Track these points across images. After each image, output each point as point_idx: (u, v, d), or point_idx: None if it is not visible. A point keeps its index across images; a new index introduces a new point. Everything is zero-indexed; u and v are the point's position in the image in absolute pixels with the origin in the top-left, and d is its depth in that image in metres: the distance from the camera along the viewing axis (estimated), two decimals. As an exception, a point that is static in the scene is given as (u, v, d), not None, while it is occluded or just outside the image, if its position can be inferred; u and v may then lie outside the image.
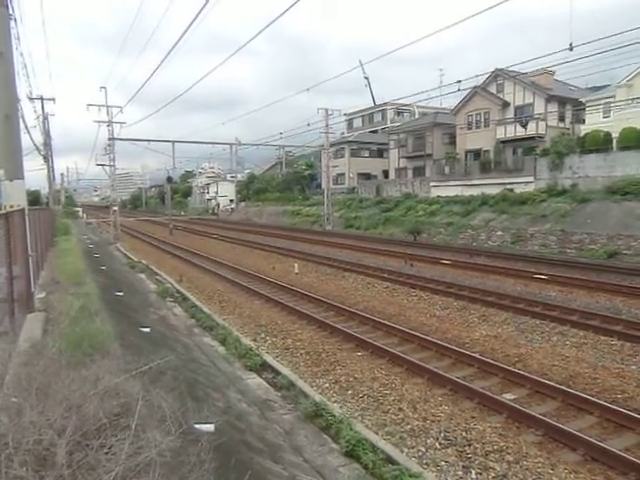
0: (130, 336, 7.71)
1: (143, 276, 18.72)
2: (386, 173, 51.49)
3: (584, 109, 35.66)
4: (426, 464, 5.68)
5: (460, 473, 5.52)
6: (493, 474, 5.46)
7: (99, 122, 34.67)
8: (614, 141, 29.19)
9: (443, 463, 5.71)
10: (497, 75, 38.58)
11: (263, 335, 10.98)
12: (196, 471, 2.79)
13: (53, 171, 44.36)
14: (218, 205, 73.21)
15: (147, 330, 9.07)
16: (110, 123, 34.47)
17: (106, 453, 2.59)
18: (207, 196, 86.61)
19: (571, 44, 16.72)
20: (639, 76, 32.28)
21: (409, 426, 6.57)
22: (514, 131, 36.53)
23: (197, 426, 3.95)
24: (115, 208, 36.68)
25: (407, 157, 47.22)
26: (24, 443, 2.55)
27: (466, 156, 39.88)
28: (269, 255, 24.76)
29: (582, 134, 32.80)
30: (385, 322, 11.30)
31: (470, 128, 40.32)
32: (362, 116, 64.08)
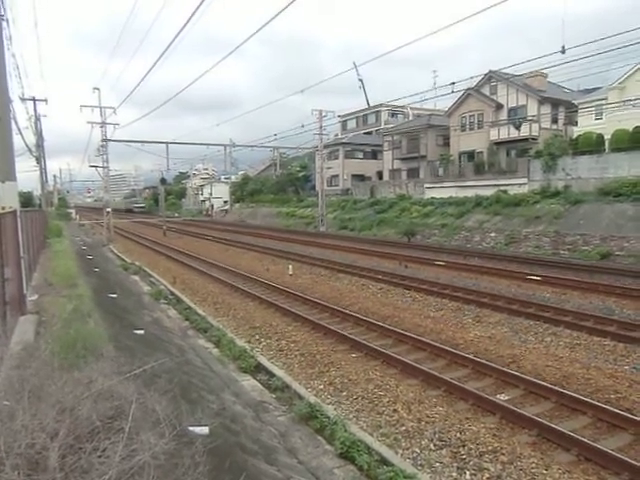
0: (124, 338, 7.67)
1: (137, 278, 18.64)
2: (380, 174, 51.58)
3: (577, 111, 35.92)
4: (421, 465, 5.68)
5: (454, 474, 5.53)
6: (487, 475, 5.47)
7: (92, 123, 34.52)
8: (606, 143, 29.41)
9: (437, 464, 5.72)
10: (490, 77, 38.79)
11: (257, 337, 10.96)
12: (190, 474, 2.78)
13: (46, 172, 44.09)
14: (212, 206, 73.06)
15: (141, 332, 9.03)
16: (103, 124, 34.33)
17: (99, 456, 2.57)
18: (201, 197, 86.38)
19: (563, 47, 16.86)
20: (631, 78, 32.57)
21: (404, 427, 6.57)
22: (507, 133, 36.75)
23: (191, 429, 3.93)
24: (109, 210, 36.48)
25: (401, 159, 47.36)
26: (16, 447, 2.53)
27: (460, 158, 40.04)
28: (263, 257, 24.72)
29: (575, 136, 33.06)
30: (379, 323, 11.31)
31: (464, 130, 40.49)
32: (356, 118, 64.13)
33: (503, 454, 5.83)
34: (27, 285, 9.41)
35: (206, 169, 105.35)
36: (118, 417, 3.00)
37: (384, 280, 16.90)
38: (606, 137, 29.53)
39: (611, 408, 6.84)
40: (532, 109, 36.49)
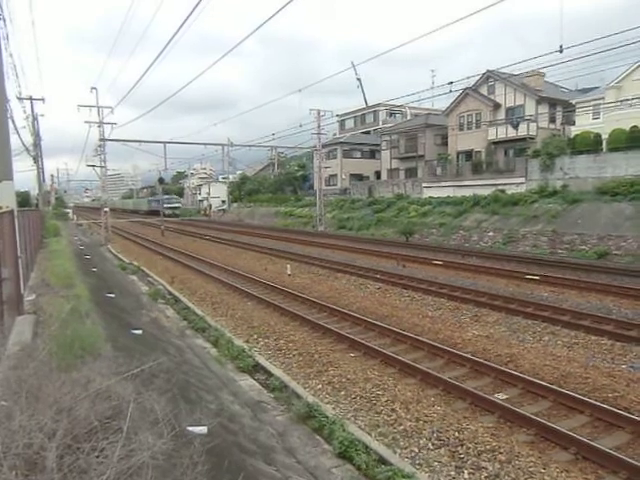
0: (122, 338, 7.66)
1: (134, 278, 18.61)
2: (378, 174, 51.58)
3: (574, 111, 35.98)
4: (419, 464, 5.68)
5: (453, 473, 5.53)
6: (485, 474, 5.48)
7: (90, 123, 34.39)
8: (604, 142, 29.47)
9: (436, 463, 5.72)
10: (488, 77, 38.80)
11: (256, 336, 10.94)
12: (189, 473, 2.77)
13: (43, 172, 43.95)
14: (210, 206, 72.98)
15: (139, 332, 9.02)
16: (101, 124, 34.22)
17: (97, 456, 2.56)
18: (199, 197, 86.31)
19: (561, 46, 16.85)
20: (628, 78, 32.63)
21: (402, 427, 6.57)
22: (505, 132, 36.76)
23: (190, 428, 3.93)
24: (106, 209, 36.38)
25: (399, 158, 47.36)
26: (14, 447, 2.52)
27: (458, 157, 40.07)
28: (261, 256, 24.71)
29: (572, 135, 33.09)
30: (378, 323, 11.31)
31: (462, 129, 40.51)
32: (354, 117, 64.16)
33: (501, 453, 5.84)
34: (24, 285, 9.39)
35: (204, 169, 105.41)
36: (116, 417, 3.00)
37: (382, 279, 16.91)
38: (604, 136, 29.58)
39: (609, 407, 6.85)
40: (530, 109, 36.52)
